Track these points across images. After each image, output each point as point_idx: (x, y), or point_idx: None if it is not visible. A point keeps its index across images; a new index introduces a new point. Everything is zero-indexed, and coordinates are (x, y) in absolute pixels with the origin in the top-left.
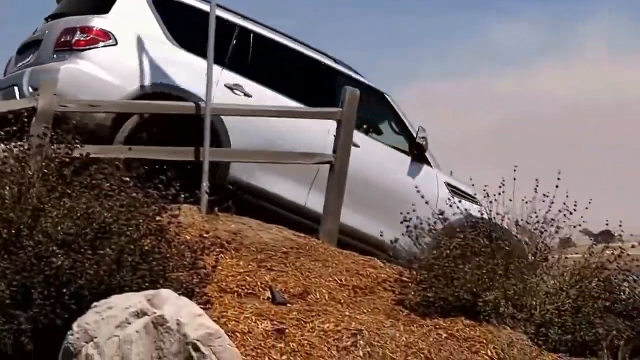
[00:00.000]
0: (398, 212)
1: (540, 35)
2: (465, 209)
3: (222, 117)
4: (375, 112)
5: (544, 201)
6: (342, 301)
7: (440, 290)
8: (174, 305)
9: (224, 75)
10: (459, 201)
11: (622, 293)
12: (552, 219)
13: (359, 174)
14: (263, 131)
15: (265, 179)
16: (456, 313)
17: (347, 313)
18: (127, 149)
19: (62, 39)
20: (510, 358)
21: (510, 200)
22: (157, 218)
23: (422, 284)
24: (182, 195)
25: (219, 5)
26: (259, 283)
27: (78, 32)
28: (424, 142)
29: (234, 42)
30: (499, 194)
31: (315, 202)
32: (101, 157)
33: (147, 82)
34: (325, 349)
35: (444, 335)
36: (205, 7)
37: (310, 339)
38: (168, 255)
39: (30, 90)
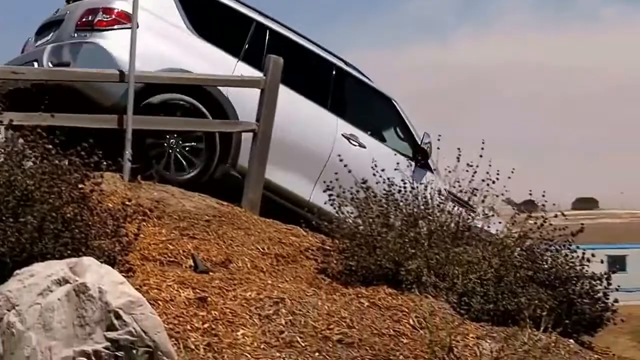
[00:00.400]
0: None
1: (459, 6)
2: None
3: (230, 100)
4: (381, 116)
5: (467, 170)
6: (265, 269)
7: (363, 259)
8: (96, 273)
9: (239, 67)
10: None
11: (544, 263)
12: (475, 189)
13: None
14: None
15: (274, 172)
16: (378, 282)
17: (269, 281)
18: (49, 117)
19: (84, 19)
20: (432, 327)
21: (435, 170)
22: (80, 186)
23: (344, 253)
24: (105, 163)
25: (238, 1)
26: (181, 251)
27: (100, 13)
28: (428, 149)
29: (250, 36)
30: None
31: (319, 198)
32: (25, 124)
33: (163, 66)
34: (248, 317)
35: (366, 303)
36: (225, 0)
37: (232, 307)
38: (90, 223)
39: (50, 65)
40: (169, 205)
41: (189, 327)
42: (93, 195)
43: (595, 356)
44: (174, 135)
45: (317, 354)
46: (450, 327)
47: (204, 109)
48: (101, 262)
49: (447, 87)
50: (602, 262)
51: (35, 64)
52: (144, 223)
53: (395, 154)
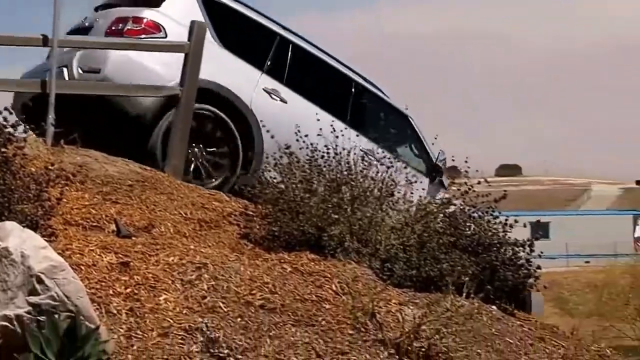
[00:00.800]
0: None
1: None
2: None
3: (256, 114)
4: (397, 132)
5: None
6: (187, 235)
7: (285, 225)
8: (18, 238)
9: (262, 80)
10: None
11: (467, 229)
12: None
13: None
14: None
15: None
16: (301, 247)
17: (192, 246)
18: None
19: (114, 27)
20: (354, 293)
21: (358, 135)
22: (2, 150)
23: (267, 218)
24: (28, 127)
25: (263, 15)
26: (104, 216)
27: (130, 22)
28: (442, 166)
29: (274, 50)
30: (342, 130)
31: None
32: None
33: None
34: (170, 282)
35: (289, 269)
36: (251, 14)
37: (154, 272)
38: (13, 187)
39: (80, 71)
40: (92, 170)
41: (111, 292)
42: (16, 159)
43: (518, 322)
44: (198, 145)
45: (239, 319)
46: (372, 293)
47: (227, 119)
48: (24, 226)
49: (376, 55)
50: (525, 226)
51: (65, 70)
52: (67, 187)
53: (410, 170)
